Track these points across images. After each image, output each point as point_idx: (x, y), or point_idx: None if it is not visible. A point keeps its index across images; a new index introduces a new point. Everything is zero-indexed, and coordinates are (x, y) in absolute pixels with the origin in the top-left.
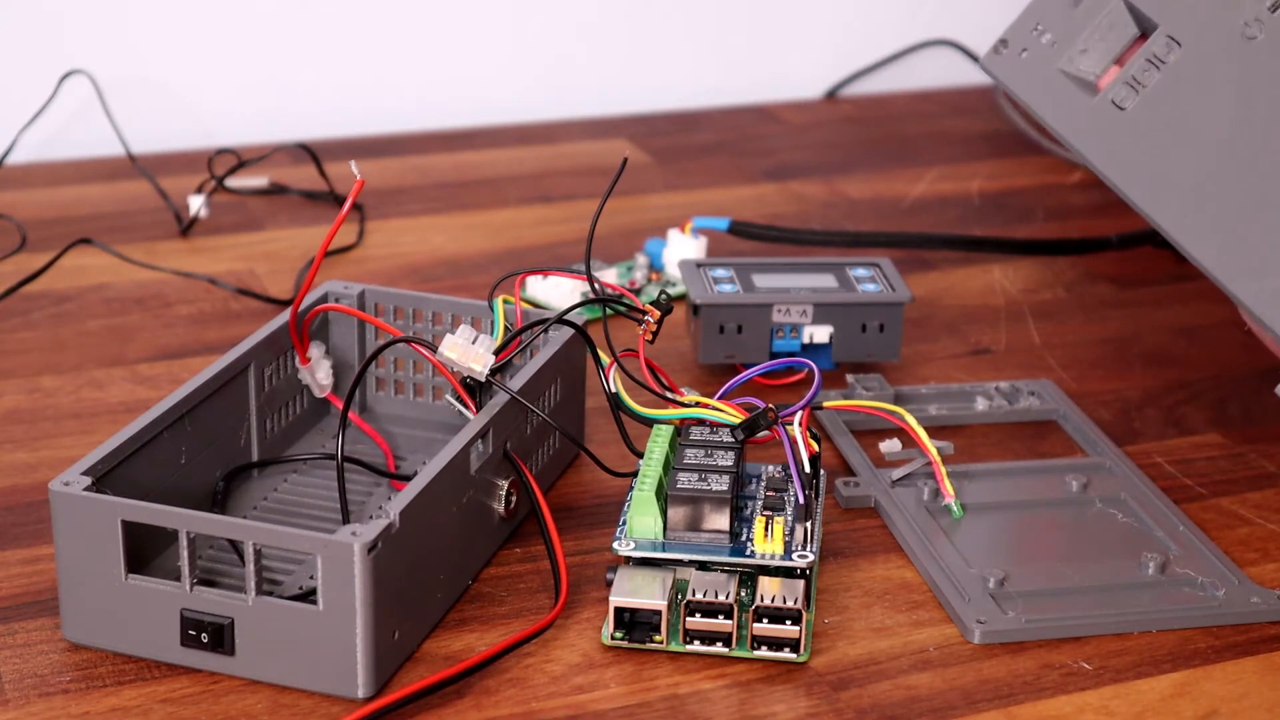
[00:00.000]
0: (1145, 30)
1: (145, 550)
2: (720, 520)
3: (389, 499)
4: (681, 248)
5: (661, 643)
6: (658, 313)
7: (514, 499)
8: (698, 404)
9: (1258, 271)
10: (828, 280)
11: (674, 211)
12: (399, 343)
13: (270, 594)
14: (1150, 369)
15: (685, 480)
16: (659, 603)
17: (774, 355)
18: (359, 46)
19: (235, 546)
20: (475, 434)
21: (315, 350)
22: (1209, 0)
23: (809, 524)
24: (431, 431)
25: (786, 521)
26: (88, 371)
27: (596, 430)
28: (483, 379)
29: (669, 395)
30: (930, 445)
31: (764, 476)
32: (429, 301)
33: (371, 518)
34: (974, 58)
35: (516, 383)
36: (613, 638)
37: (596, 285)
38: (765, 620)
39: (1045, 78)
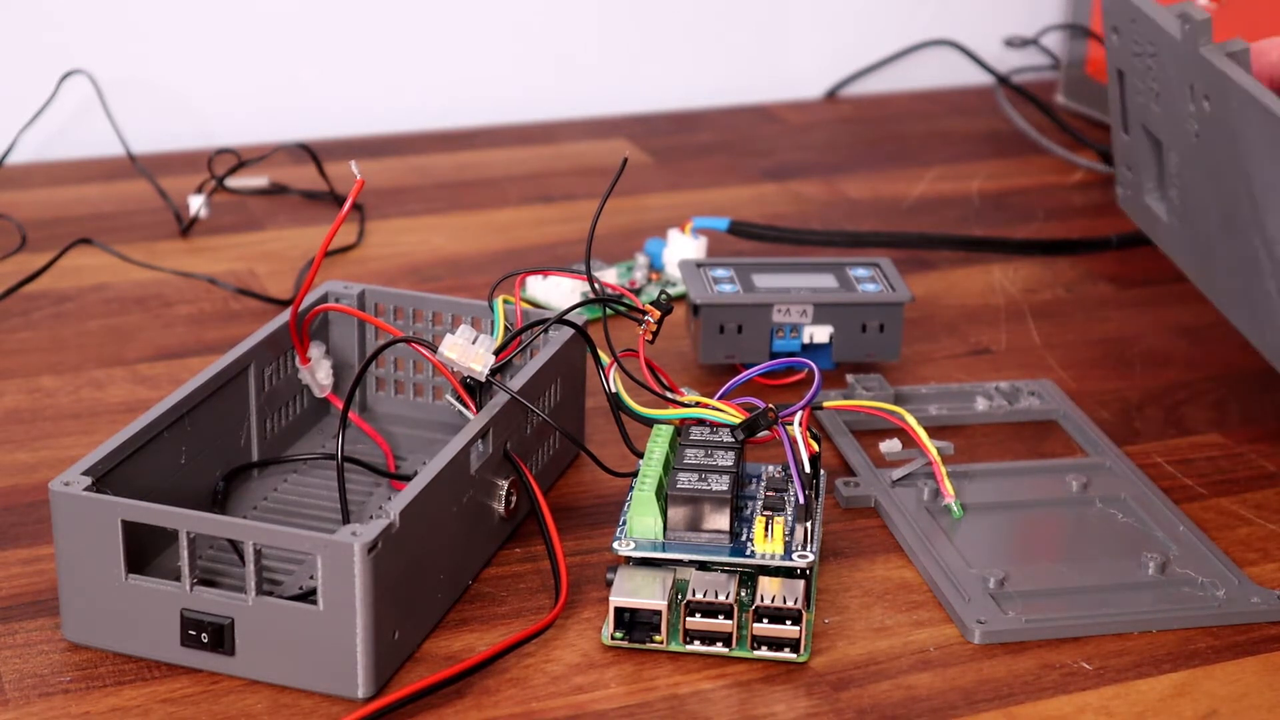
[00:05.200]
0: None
1: (145, 550)
2: (720, 520)
3: (389, 499)
4: (681, 248)
5: (661, 643)
6: (658, 313)
7: (514, 499)
8: (698, 404)
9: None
10: (828, 280)
11: (674, 211)
12: (399, 343)
13: (270, 594)
14: (1150, 369)
15: (685, 480)
16: (659, 603)
17: (774, 355)
18: (359, 46)
19: (235, 546)
20: (475, 434)
21: (315, 350)
22: (1172, 106)
23: (809, 524)
24: (431, 431)
25: (786, 521)
26: (88, 371)
27: (596, 430)
28: (483, 379)
29: (669, 395)
30: (930, 445)
31: (764, 476)
32: (429, 301)
33: (371, 518)
34: (974, 58)
35: (516, 383)
36: (613, 638)
37: (596, 285)
38: (765, 620)
39: (1145, 213)
